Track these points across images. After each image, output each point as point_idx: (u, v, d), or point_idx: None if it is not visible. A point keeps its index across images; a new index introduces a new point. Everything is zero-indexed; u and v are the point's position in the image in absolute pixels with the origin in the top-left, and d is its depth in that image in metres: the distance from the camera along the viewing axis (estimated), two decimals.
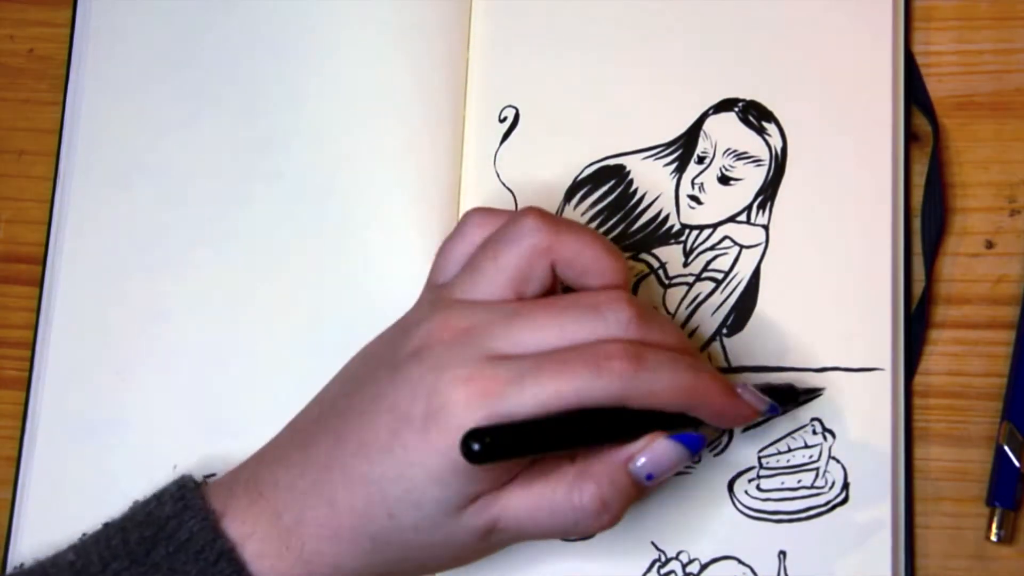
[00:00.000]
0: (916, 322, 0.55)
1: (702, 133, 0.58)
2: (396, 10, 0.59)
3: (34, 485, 0.58)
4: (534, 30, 0.60)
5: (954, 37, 0.58)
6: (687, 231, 0.57)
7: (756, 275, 0.56)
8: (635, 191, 0.58)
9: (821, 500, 0.53)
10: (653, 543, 0.54)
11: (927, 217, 0.56)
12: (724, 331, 0.56)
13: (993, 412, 0.55)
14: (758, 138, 0.57)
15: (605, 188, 0.58)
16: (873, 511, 0.53)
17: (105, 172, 0.61)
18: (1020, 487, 0.53)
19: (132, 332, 0.59)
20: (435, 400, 0.44)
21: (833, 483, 0.53)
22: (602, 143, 0.58)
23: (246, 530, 0.47)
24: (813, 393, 0.54)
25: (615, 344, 0.45)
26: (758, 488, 0.54)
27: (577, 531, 0.47)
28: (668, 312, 0.56)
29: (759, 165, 0.57)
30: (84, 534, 0.49)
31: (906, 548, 0.53)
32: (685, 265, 0.57)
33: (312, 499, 0.46)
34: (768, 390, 0.50)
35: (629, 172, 0.58)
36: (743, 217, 0.57)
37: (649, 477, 0.47)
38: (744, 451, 0.54)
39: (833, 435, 0.54)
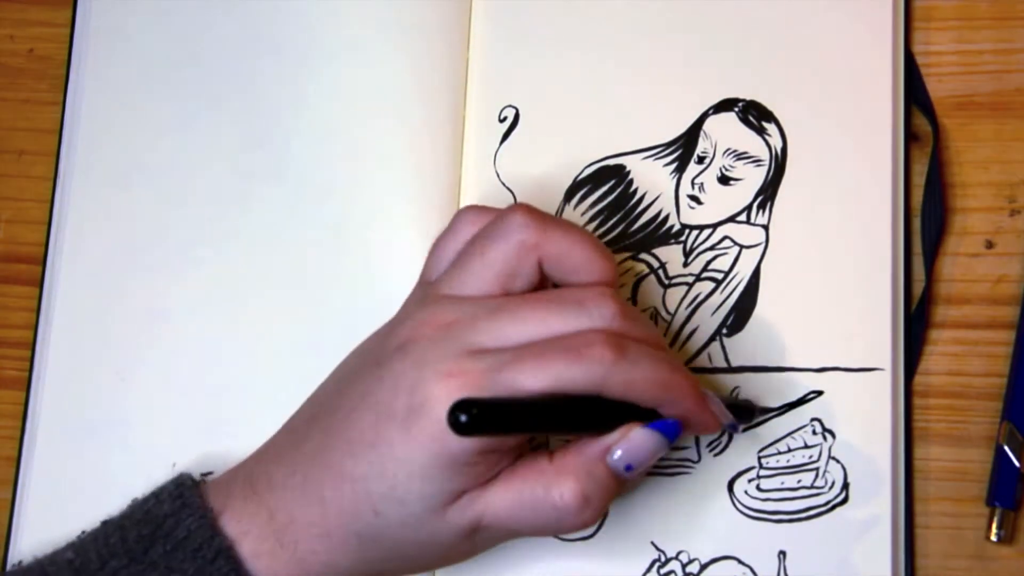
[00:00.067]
0: (916, 322, 0.55)
1: (702, 133, 0.58)
2: (396, 10, 0.59)
3: (34, 485, 0.58)
4: (534, 30, 0.60)
5: (954, 37, 0.58)
6: (687, 231, 0.57)
7: (756, 275, 0.56)
8: (635, 191, 0.58)
9: (821, 500, 0.53)
10: (653, 543, 0.54)
11: (927, 217, 0.56)
12: (724, 331, 0.56)
13: (993, 412, 0.55)
14: (758, 138, 0.57)
15: (605, 188, 0.58)
16: (873, 511, 0.53)
17: (105, 172, 0.61)
18: (1020, 487, 0.53)
19: (132, 332, 0.59)
20: (416, 395, 0.45)
21: (833, 483, 0.53)
22: (602, 143, 0.58)
23: (242, 528, 0.47)
24: (769, 411, 0.54)
25: (597, 333, 0.45)
26: (758, 488, 0.54)
27: (560, 528, 0.47)
28: (668, 312, 0.56)
29: (759, 165, 0.57)
30: (83, 532, 0.49)
31: (906, 548, 0.53)
32: (685, 265, 0.57)
33: (303, 497, 0.47)
34: (729, 406, 0.50)
35: (629, 172, 0.58)
36: (743, 217, 0.57)
37: (628, 468, 0.46)
38: (744, 451, 0.54)
39: (833, 435, 0.54)
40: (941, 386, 0.55)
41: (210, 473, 0.51)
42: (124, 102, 0.61)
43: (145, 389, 0.58)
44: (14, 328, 0.62)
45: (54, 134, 0.62)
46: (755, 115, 0.57)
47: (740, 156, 0.57)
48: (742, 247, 0.56)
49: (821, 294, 0.55)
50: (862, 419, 0.54)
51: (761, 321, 0.56)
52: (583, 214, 0.58)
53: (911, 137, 0.57)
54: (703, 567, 0.54)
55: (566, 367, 0.44)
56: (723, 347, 0.56)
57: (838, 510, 0.53)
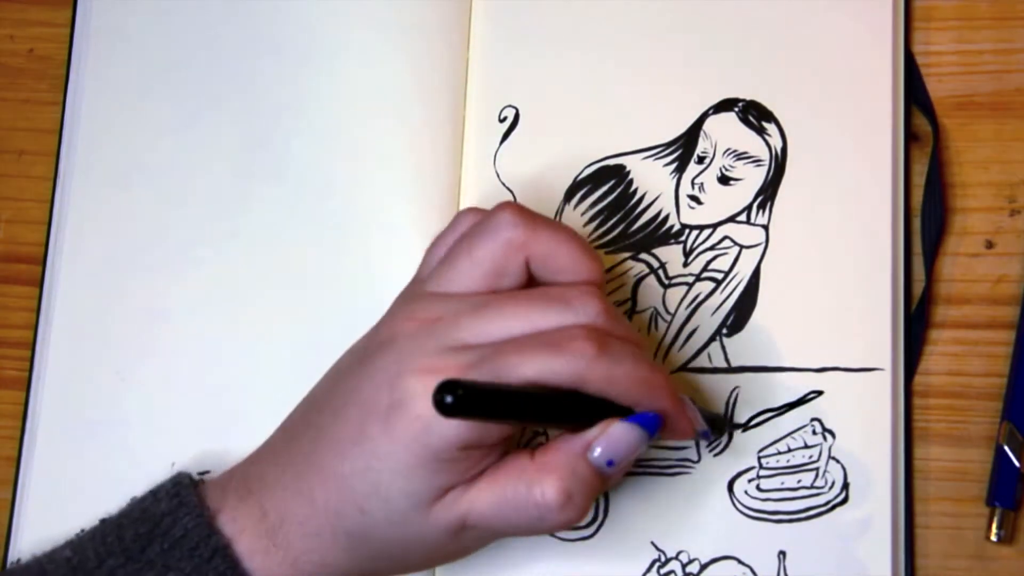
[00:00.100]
0: (916, 322, 0.55)
1: (702, 133, 0.58)
2: (396, 10, 0.59)
3: (34, 485, 0.58)
4: (534, 30, 0.60)
5: (954, 37, 0.58)
6: (687, 231, 0.57)
7: (756, 275, 0.56)
8: (635, 191, 0.58)
9: (821, 500, 0.53)
10: (653, 543, 0.54)
11: (927, 217, 0.56)
12: (724, 331, 0.56)
13: (993, 412, 0.55)
14: (758, 138, 0.57)
15: (605, 188, 0.58)
16: (873, 511, 0.53)
17: (105, 172, 0.61)
18: (1020, 487, 0.53)
19: (132, 332, 0.59)
20: (397, 391, 0.45)
21: (833, 483, 0.53)
22: (602, 143, 0.58)
23: (237, 527, 0.47)
24: (738, 426, 0.54)
25: (580, 328, 0.45)
26: (758, 488, 0.54)
27: (543, 526, 0.46)
28: (668, 312, 0.56)
29: (759, 165, 0.57)
30: (82, 530, 0.49)
31: (906, 548, 0.53)
32: (685, 265, 0.57)
33: (295, 496, 0.47)
34: (703, 416, 0.51)
35: (629, 172, 0.58)
36: (743, 217, 0.57)
37: (609, 463, 0.46)
38: (744, 451, 0.54)
39: (833, 435, 0.54)
40: (941, 386, 0.55)
41: (207, 472, 0.51)
42: (124, 102, 0.61)
43: (145, 389, 0.58)
44: (14, 328, 0.62)
45: (54, 134, 0.62)
46: (755, 115, 0.57)
47: (740, 156, 0.57)
48: (742, 247, 0.56)
49: (821, 294, 0.55)
50: (862, 419, 0.54)
51: (761, 321, 0.56)
52: (583, 214, 0.58)
53: (911, 137, 0.57)
54: (703, 567, 0.54)
55: (548, 360, 0.44)
56: (723, 347, 0.56)
57: (838, 510, 0.53)
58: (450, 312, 0.46)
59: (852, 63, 0.57)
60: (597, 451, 0.46)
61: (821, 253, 0.56)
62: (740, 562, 0.53)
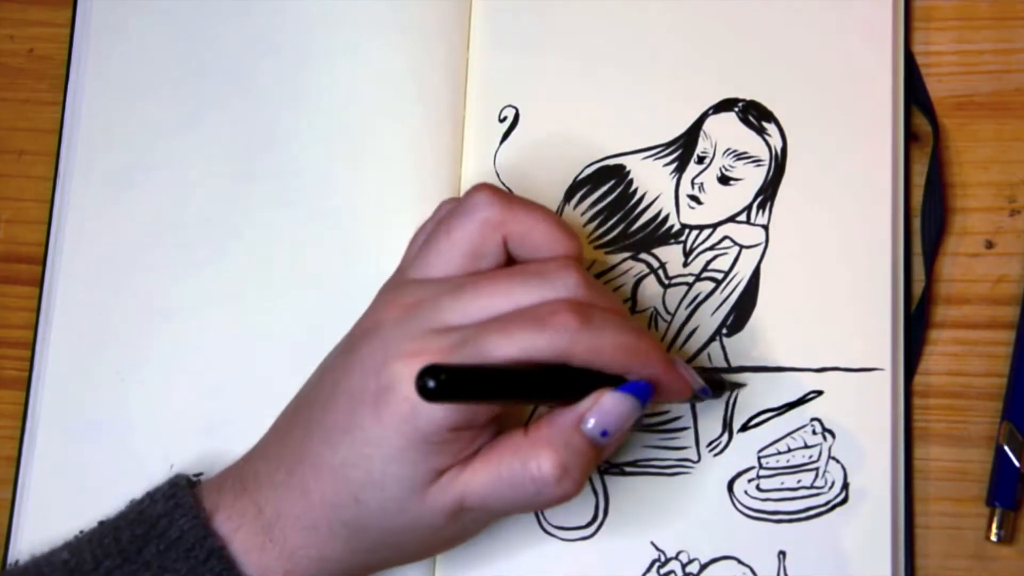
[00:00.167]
0: (916, 322, 0.55)
1: (702, 133, 0.58)
2: (396, 10, 0.59)
3: (34, 485, 0.58)
4: (534, 30, 0.60)
5: (954, 37, 0.58)
6: (687, 231, 0.57)
7: (756, 275, 0.56)
8: (635, 191, 0.58)
9: (821, 500, 0.53)
10: (653, 543, 0.54)
11: (927, 217, 0.56)
12: (724, 331, 0.56)
13: (993, 412, 0.55)
14: (758, 138, 0.57)
15: (605, 188, 0.58)
16: (873, 511, 0.53)
17: (105, 172, 0.61)
18: (1020, 487, 0.53)
19: (132, 332, 0.59)
20: (383, 377, 0.45)
21: (833, 483, 0.53)
22: (602, 143, 0.58)
23: (233, 526, 0.47)
24: (739, 386, 0.54)
25: (561, 302, 0.45)
26: (758, 488, 0.54)
27: (541, 501, 0.46)
28: (668, 312, 0.56)
29: (759, 165, 0.57)
30: (80, 532, 0.49)
31: (906, 548, 0.53)
32: (685, 265, 0.57)
33: (289, 491, 0.47)
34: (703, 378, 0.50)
35: (629, 172, 0.58)
36: (743, 217, 0.57)
37: (604, 434, 0.46)
38: (744, 451, 0.54)
39: (833, 435, 0.54)
40: (941, 386, 0.55)
41: (201, 474, 0.51)
42: (124, 102, 0.61)
43: (145, 389, 0.58)
44: (14, 328, 0.62)
45: (54, 134, 0.62)
46: (755, 115, 0.57)
47: (740, 156, 0.57)
48: (742, 247, 0.56)
49: (821, 294, 0.55)
50: (862, 419, 0.54)
51: (761, 321, 0.56)
52: (583, 214, 0.58)
53: (911, 137, 0.57)
54: (703, 567, 0.54)
55: (531, 336, 0.44)
56: (723, 347, 0.56)
57: (838, 510, 0.53)
58: (431, 295, 0.46)
59: (852, 63, 0.57)
60: (591, 422, 0.46)
61: (821, 253, 0.56)
62: (740, 562, 0.53)
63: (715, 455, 0.55)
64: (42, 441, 0.58)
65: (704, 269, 0.56)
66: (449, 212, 0.49)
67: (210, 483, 0.49)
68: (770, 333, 0.55)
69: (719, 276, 0.56)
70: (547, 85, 0.59)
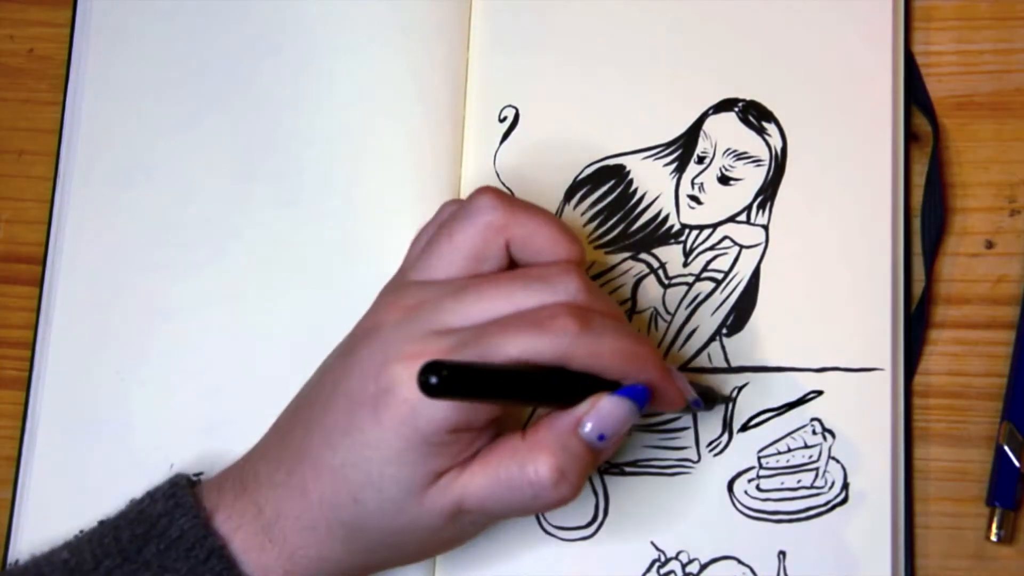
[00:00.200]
0: (916, 322, 0.55)
1: (702, 133, 0.58)
2: (396, 11, 0.59)
3: (34, 485, 0.58)
4: (534, 30, 0.60)
5: (954, 37, 0.58)
6: (687, 231, 0.57)
7: (756, 275, 0.56)
8: (635, 191, 0.58)
9: (821, 500, 0.53)
10: (653, 543, 0.54)
11: (927, 217, 0.56)
12: (724, 331, 0.56)
13: (993, 412, 0.55)
14: (758, 138, 0.57)
15: (605, 188, 0.58)
16: (872, 511, 0.53)
17: (105, 172, 0.60)
18: (1020, 487, 0.53)
19: (132, 332, 0.59)
20: (383, 379, 0.45)
21: (833, 483, 0.53)
22: (602, 143, 0.58)
23: (232, 525, 0.47)
24: (728, 398, 0.54)
25: (561, 306, 0.45)
26: (758, 488, 0.54)
27: (538, 505, 0.46)
28: (668, 312, 0.56)
29: (759, 165, 0.57)
30: (80, 531, 0.49)
31: (906, 548, 0.53)
32: (685, 265, 0.57)
33: (288, 491, 0.47)
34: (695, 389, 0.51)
35: (629, 172, 0.58)
36: (743, 217, 0.57)
37: (601, 438, 0.46)
38: (744, 451, 0.54)
39: (833, 435, 0.54)
40: (941, 386, 0.55)
41: (201, 473, 0.51)
42: (124, 102, 0.61)
43: (145, 389, 0.58)
44: (14, 328, 0.62)
45: (54, 134, 0.62)
46: (755, 115, 0.57)
47: (740, 156, 0.57)
48: (742, 247, 0.56)
49: (821, 294, 0.55)
50: (862, 419, 0.54)
51: (761, 321, 0.56)
52: (583, 214, 0.58)
53: (911, 137, 0.57)
54: (703, 567, 0.54)
55: (531, 339, 0.44)
56: (723, 347, 0.56)
57: (838, 510, 0.53)
58: (432, 297, 0.47)
59: (852, 63, 0.57)
60: (588, 426, 0.46)
61: (821, 253, 0.56)
62: (740, 562, 0.53)
63: (715, 455, 0.55)
64: (42, 441, 0.58)
65: (704, 269, 0.57)
66: (452, 215, 0.49)
67: (210, 483, 0.49)
68: (770, 333, 0.55)
69: (719, 276, 0.56)
70: (547, 85, 0.59)
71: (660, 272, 0.57)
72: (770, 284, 0.56)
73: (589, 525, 0.55)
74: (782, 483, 0.54)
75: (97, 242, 0.60)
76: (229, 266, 0.59)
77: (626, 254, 0.57)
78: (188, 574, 0.46)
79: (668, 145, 0.58)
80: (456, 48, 0.60)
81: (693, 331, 0.56)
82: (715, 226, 0.57)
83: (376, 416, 0.45)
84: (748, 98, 0.58)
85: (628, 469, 0.55)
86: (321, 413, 0.47)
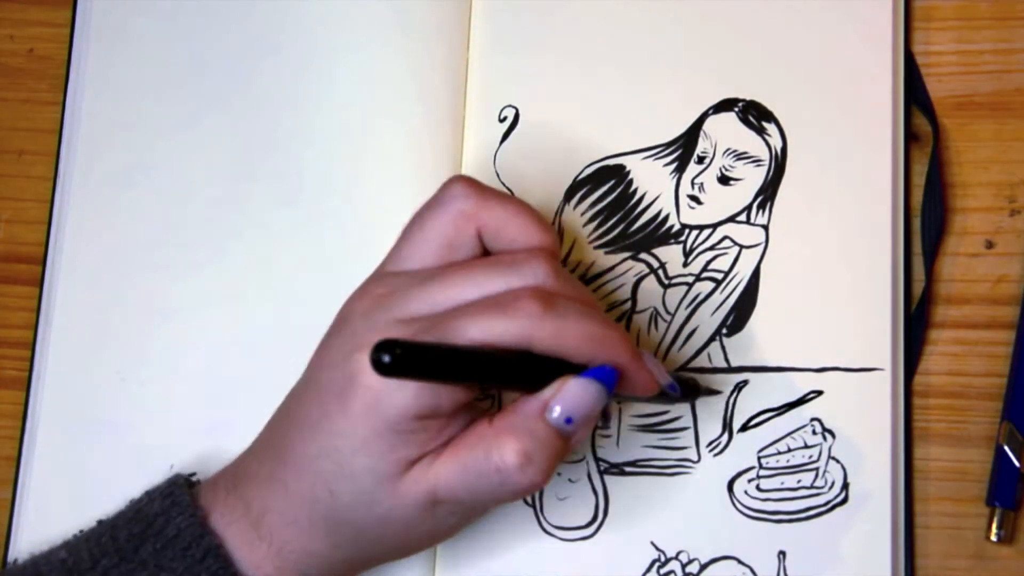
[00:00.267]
0: (916, 322, 0.55)
1: (702, 133, 0.58)
2: (396, 11, 0.59)
3: (34, 485, 0.58)
4: (534, 30, 0.60)
5: (954, 37, 0.58)
6: (687, 231, 0.57)
7: (756, 275, 0.56)
8: (635, 191, 0.58)
9: (821, 500, 0.53)
10: (653, 543, 0.54)
11: (927, 217, 0.56)
12: (724, 331, 0.56)
13: (993, 412, 0.55)
14: (758, 138, 0.57)
15: (605, 188, 0.58)
16: (873, 511, 0.53)
17: (105, 172, 0.60)
18: (1020, 487, 0.53)
19: (132, 332, 0.59)
20: (348, 368, 0.45)
21: (833, 483, 0.53)
22: (602, 143, 0.58)
23: (225, 523, 0.47)
24: (714, 392, 0.54)
25: (526, 289, 0.45)
26: (758, 488, 0.54)
27: (507, 492, 0.45)
28: (668, 312, 0.56)
29: (759, 165, 0.57)
30: (79, 531, 0.49)
31: (906, 548, 0.53)
32: (685, 265, 0.57)
33: (271, 486, 0.47)
34: (675, 379, 0.50)
35: (629, 172, 0.58)
36: (743, 217, 0.57)
37: (568, 421, 0.45)
38: (744, 451, 0.54)
39: (833, 435, 0.54)
40: (941, 386, 0.55)
41: (194, 474, 0.51)
42: (124, 102, 0.61)
43: (145, 389, 0.58)
44: (14, 328, 0.62)
45: (54, 134, 0.62)
46: (755, 115, 0.57)
47: (740, 156, 0.57)
48: (742, 247, 0.56)
49: (821, 294, 0.55)
50: (862, 419, 0.54)
51: (761, 321, 0.56)
52: (583, 214, 0.58)
53: (911, 137, 0.57)
54: (703, 567, 0.54)
55: (492, 321, 0.43)
56: (723, 347, 0.56)
57: (838, 510, 0.53)
58: (401, 286, 0.46)
59: (852, 63, 0.57)
60: (556, 410, 0.45)
61: (821, 253, 0.56)
62: (740, 562, 0.53)
63: (715, 455, 0.55)
64: (42, 441, 0.58)
65: (704, 269, 0.56)
66: (424, 204, 0.49)
67: (207, 482, 0.49)
68: (770, 333, 0.55)
69: (719, 276, 0.56)
70: (547, 85, 0.59)
71: (660, 272, 0.57)
72: (770, 284, 0.56)
73: (589, 525, 0.55)
74: (782, 483, 0.54)
75: (97, 242, 0.60)
76: (229, 266, 0.59)
77: (626, 254, 0.57)
78: (185, 573, 0.46)
79: (668, 145, 0.58)
80: (456, 48, 0.60)
81: (693, 331, 0.56)
82: (715, 226, 0.57)
83: (343, 405, 0.45)
84: (748, 98, 0.58)
85: (628, 469, 0.55)
86: (296, 406, 0.47)
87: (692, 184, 0.57)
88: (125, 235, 0.60)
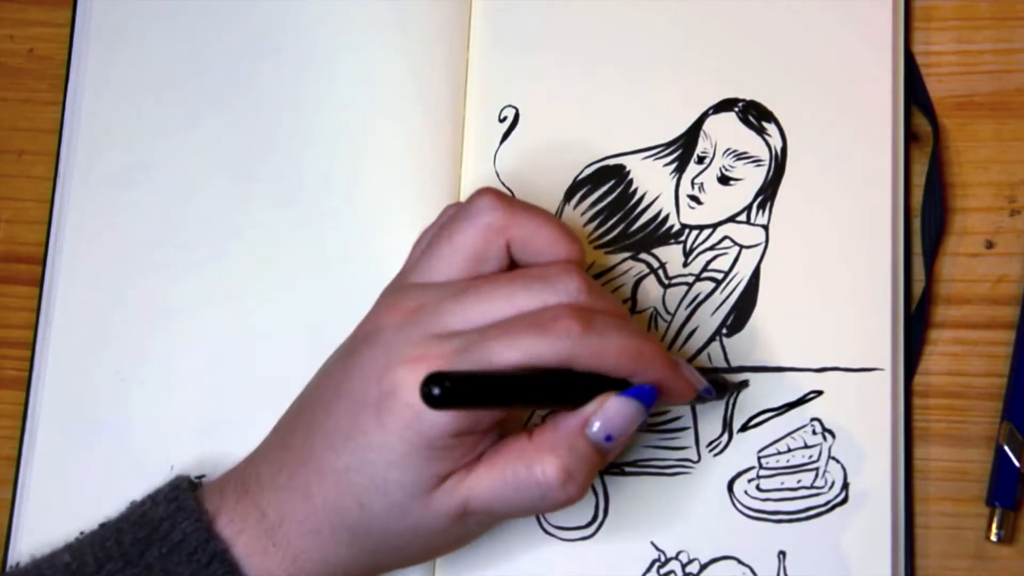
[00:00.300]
0: (916, 322, 0.55)
1: (702, 133, 0.58)
2: (396, 11, 0.59)
3: (34, 485, 0.58)
4: (534, 30, 0.60)
5: (954, 37, 0.58)
6: (687, 231, 0.57)
7: (756, 275, 0.56)
8: (635, 191, 0.58)
9: (821, 500, 0.53)
10: (653, 543, 0.54)
11: (927, 217, 0.56)
12: (724, 331, 0.56)
13: (993, 412, 0.55)
14: (758, 138, 0.57)
15: (605, 188, 0.58)
16: (872, 511, 0.53)
17: (105, 172, 0.61)
18: (1020, 487, 0.53)
19: (132, 332, 0.59)
20: (385, 383, 0.45)
21: (833, 483, 0.53)
22: (602, 143, 0.58)
23: (235, 529, 0.47)
24: (742, 385, 0.54)
25: (563, 307, 0.45)
26: (758, 488, 0.54)
27: (545, 505, 0.46)
28: (668, 312, 0.56)
29: (759, 165, 0.57)
30: (81, 533, 0.49)
31: (906, 548, 0.53)
32: (685, 265, 0.57)
33: (291, 495, 0.47)
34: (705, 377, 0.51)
35: (629, 172, 0.58)
36: (743, 217, 0.57)
37: (608, 438, 0.46)
38: (744, 451, 0.54)
39: (833, 435, 0.54)
40: (941, 386, 0.55)
41: (203, 476, 0.51)
42: (124, 102, 0.61)
43: (145, 389, 0.58)
44: (14, 328, 0.62)
45: (54, 134, 0.62)
46: (755, 115, 0.57)
47: (740, 156, 0.57)
48: (742, 247, 0.56)
49: (821, 294, 0.55)
50: (862, 419, 0.54)
51: (761, 321, 0.56)
52: (583, 214, 0.58)
53: (911, 137, 0.57)
54: (703, 567, 0.54)
55: (534, 342, 0.44)
56: (723, 347, 0.56)
57: (838, 510, 0.53)
58: (432, 300, 0.46)
59: (852, 63, 0.57)
60: (596, 427, 0.46)
61: (821, 253, 0.56)
62: (740, 562, 0.53)
63: (715, 455, 0.55)
64: (42, 441, 0.58)
65: (704, 269, 0.57)
66: (452, 216, 0.49)
67: (212, 486, 0.49)
68: (770, 333, 0.55)
69: (719, 276, 0.56)
70: (547, 85, 0.59)
71: (660, 272, 0.57)
72: (770, 284, 0.56)
73: (589, 525, 0.55)
74: (782, 483, 0.54)
75: (97, 242, 0.60)
76: (229, 266, 0.59)
77: (626, 254, 0.57)
78: None
79: (668, 145, 0.58)
80: (456, 48, 0.60)
81: (693, 331, 0.56)
82: (715, 226, 0.57)
83: (379, 420, 0.45)
84: (748, 98, 0.58)
85: (628, 469, 0.55)
86: (323, 416, 0.47)
87: (692, 184, 0.57)
88: (125, 235, 0.60)
